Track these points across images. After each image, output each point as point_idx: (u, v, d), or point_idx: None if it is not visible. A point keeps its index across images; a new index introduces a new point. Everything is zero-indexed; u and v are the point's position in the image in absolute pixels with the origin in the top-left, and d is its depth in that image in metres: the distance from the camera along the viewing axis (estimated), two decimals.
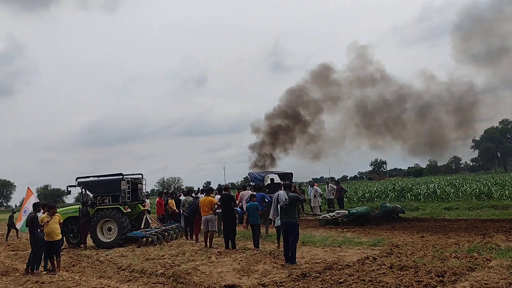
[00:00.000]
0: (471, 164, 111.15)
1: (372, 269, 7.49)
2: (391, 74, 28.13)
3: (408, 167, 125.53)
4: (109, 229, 14.54)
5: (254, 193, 15.11)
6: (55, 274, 10.06)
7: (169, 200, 17.53)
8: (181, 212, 16.10)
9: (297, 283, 6.92)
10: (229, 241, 11.76)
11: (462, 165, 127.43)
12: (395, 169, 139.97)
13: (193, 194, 16.22)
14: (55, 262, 10.51)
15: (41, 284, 8.72)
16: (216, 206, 12.20)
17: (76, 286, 8.32)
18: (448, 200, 21.56)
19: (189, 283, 7.64)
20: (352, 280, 6.83)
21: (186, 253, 11.54)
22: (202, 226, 12.81)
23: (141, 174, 16.08)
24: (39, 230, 10.92)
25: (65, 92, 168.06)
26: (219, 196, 13.23)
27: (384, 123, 24.71)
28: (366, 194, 25.12)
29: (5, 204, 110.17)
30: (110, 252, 13.03)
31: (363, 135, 26.37)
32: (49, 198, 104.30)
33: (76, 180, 14.97)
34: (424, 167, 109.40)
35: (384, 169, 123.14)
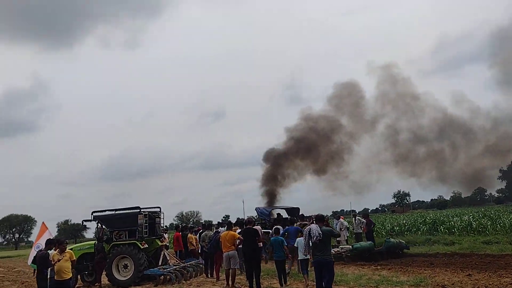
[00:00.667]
0: (496, 195, 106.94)
1: None
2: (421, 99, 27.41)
3: (431, 199, 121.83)
4: (125, 266, 13.70)
5: (279, 226, 14.19)
6: None
7: (189, 235, 16.64)
8: (201, 247, 15.23)
9: None
10: (254, 281, 10.76)
11: (487, 197, 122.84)
12: (418, 201, 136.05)
13: (213, 228, 15.34)
14: None
15: None
16: (238, 241, 11.28)
17: None
18: (485, 233, 20.04)
19: None
20: None
21: None
22: (223, 263, 11.88)
23: (159, 207, 15.36)
24: (49, 269, 10.21)
25: (86, 127, 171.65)
26: (239, 230, 12.37)
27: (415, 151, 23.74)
28: (395, 228, 23.71)
29: (25, 240, 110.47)
30: None
31: (392, 165, 25.41)
32: (69, 233, 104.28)
33: (92, 214, 14.32)
34: (448, 199, 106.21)
35: (407, 201, 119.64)
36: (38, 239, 15.35)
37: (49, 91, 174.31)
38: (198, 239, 16.28)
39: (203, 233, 15.14)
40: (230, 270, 11.29)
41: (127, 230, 14.05)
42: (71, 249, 14.75)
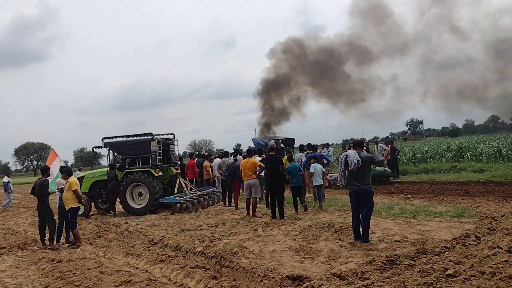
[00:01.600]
0: (509, 123, 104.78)
1: (485, 254, 5.50)
2: None
3: (442, 127, 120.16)
4: (140, 194, 13.10)
5: (301, 154, 13.28)
6: (77, 248, 8.65)
7: (205, 163, 15.84)
8: (216, 176, 14.52)
9: (386, 275, 5.03)
10: (276, 210, 10.02)
11: (499, 125, 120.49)
12: (429, 129, 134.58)
13: (230, 157, 14.48)
14: (71, 235, 9.12)
15: (57, 264, 7.25)
16: (259, 169, 10.37)
17: (98, 267, 6.78)
18: None
19: (237, 268, 5.92)
20: (467, 272, 4.88)
21: (226, 223, 9.91)
22: (243, 192, 11.13)
23: (173, 134, 14.43)
24: (58, 197, 9.52)
25: (97, 56, 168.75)
26: (259, 158, 11.46)
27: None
28: (417, 155, 22.70)
29: (43, 165, 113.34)
30: (141, 220, 11.61)
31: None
32: (86, 161, 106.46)
33: (102, 140, 13.46)
34: (460, 127, 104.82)
35: (420, 129, 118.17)
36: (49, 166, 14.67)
37: (58, 18, 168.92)
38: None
39: (220, 160, 14.33)
40: (251, 199, 10.53)
41: (140, 157, 13.25)
42: (82, 177, 14.29)
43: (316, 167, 10.82)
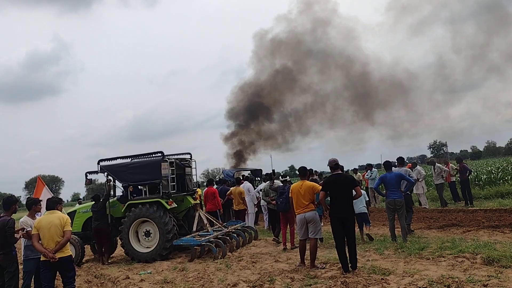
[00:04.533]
0: None
1: None
2: None
3: (460, 150, 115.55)
4: (147, 234, 9.84)
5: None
6: None
7: (234, 189, 12.30)
8: (262, 205, 11.58)
9: None
10: (346, 255, 6.64)
11: None
12: (445, 153, 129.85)
13: (279, 179, 11.07)
14: None
15: None
16: (320, 195, 7.02)
17: None
18: None
19: None
20: None
21: (275, 279, 6.55)
22: (296, 230, 7.87)
23: (189, 153, 11.28)
24: (23, 245, 6.36)
25: (110, 88, 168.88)
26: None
27: None
28: (480, 176, 18.95)
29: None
30: (148, 272, 8.31)
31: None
32: (97, 193, 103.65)
33: (98, 164, 10.33)
34: (481, 149, 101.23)
35: (443, 151, 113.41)
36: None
37: (72, 53, 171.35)
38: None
39: (265, 184, 11.01)
40: (309, 241, 7.16)
41: (148, 184, 10.06)
42: (73, 211, 11.11)
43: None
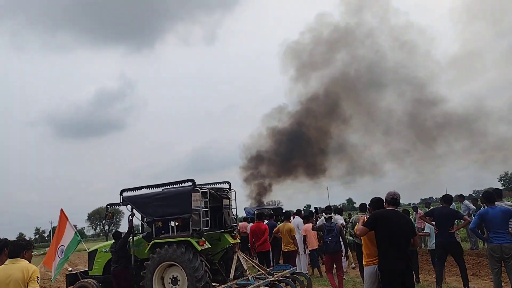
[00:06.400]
0: None
1: None
2: None
3: None
4: (174, 281, 8.01)
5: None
6: None
7: (284, 225, 10.20)
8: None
9: None
10: None
11: None
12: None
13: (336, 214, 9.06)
14: None
15: None
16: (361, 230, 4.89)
17: None
18: None
19: None
20: None
21: None
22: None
23: (228, 182, 9.47)
24: None
25: (171, 123, 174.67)
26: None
27: None
28: None
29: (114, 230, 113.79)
30: None
31: None
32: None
33: (120, 194, 8.79)
34: None
35: None
36: (60, 238, 10.08)
37: (136, 90, 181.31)
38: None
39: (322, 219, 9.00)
40: None
41: (175, 218, 8.32)
42: (94, 250, 9.57)
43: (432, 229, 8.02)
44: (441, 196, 8.19)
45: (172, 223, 8.83)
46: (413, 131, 21.20)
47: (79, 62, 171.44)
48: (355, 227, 5.34)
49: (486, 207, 6.49)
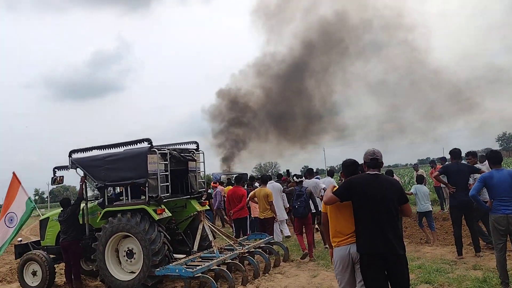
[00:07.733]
0: None
1: None
2: None
3: None
4: (129, 254, 7.03)
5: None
6: None
7: (260, 190, 9.03)
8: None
9: None
10: None
11: None
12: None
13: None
14: None
15: None
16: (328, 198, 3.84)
17: None
18: None
19: None
20: None
21: None
22: (335, 271, 4.65)
23: (196, 142, 8.32)
24: None
25: (168, 85, 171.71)
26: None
27: None
28: None
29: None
30: None
31: None
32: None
33: (69, 156, 7.65)
34: None
35: None
36: (9, 205, 9.01)
37: (132, 52, 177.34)
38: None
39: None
40: None
41: (129, 184, 7.22)
42: (45, 218, 8.53)
43: (418, 189, 8.52)
44: (449, 151, 7.16)
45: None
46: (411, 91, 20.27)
47: (75, 23, 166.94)
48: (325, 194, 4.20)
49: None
